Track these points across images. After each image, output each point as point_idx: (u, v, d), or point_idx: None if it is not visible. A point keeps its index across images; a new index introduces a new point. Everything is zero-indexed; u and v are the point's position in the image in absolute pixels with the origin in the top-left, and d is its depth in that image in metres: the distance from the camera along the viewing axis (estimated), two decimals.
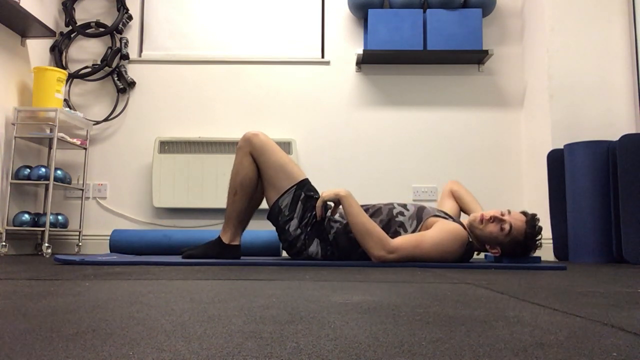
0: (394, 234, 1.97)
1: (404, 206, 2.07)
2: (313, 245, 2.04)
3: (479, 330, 0.63)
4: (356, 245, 2.00)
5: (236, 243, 2.07)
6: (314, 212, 2.03)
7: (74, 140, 3.13)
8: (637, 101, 3.03)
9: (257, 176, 2.07)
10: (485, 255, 2.24)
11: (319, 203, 1.97)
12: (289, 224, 2.04)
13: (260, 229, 2.71)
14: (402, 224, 2.00)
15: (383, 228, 1.96)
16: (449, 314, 0.75)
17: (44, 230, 2.87)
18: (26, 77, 3.17)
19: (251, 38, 3.53)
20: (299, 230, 2.03)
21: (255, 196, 2.11)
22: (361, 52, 3.29)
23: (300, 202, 2.04)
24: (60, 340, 0.54)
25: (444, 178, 3.36)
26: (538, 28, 3.25)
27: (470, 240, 1.98)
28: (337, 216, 2.05)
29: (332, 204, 2.03)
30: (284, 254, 2.72)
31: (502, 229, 1.92)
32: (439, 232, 1.91)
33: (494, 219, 1.94)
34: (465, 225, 2.03)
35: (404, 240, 1.88)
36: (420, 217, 2.01)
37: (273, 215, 2.07)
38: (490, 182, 3.36)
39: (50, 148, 3.17)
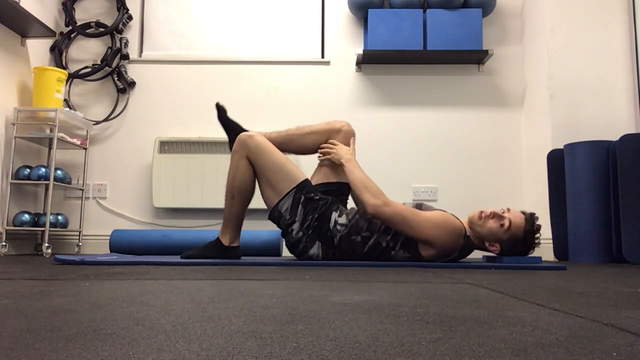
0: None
1: (404, 204, 2.09)
2: (314, 248, 2.05)
3: (479, 330, 0.63)
4: (357, 249, 2.03)
5: (236, 244, 2.08)
6: (315, 215, 2.03)
7: (74, 140, 3.13)
8: (637, 101, 3.02)
9: (254, 179, 2.07)
10: (483, 257, 2.23)
11: (325, 158, 2.12)
12: (291, 227, 2.04)
13: (260, 229, 2.71)
14: None
15: None
16: (449, 314, 0.75)
17: (44, 230, 2.87)
18: (26, 77, 3.17)
19: (251, 38, 3.53)
20: (300, 233, 2.04)
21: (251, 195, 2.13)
22: (361, 52, 3.28)
23: (300, 205, 2.03)
24: (60, 340, 0.54)
25: (444, 178, 3.37)
26: (538, 28, 3.25)
27: (468, 235, 1.97)
28: (342, 219, 2.04)
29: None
30: (284, 253, 2.72)
31: (501, 225, 1.92)
32: (434, 213, 2.00)
33: (493, 215, 1.95)
34: (465, 224, 2.04)
35: (399, 203, 1.98)
36: (419, 209, 2.07)
37: (273, 218, 2.08)
38: (490, 182, 3.36)
39: (50, 148, 3.17)
